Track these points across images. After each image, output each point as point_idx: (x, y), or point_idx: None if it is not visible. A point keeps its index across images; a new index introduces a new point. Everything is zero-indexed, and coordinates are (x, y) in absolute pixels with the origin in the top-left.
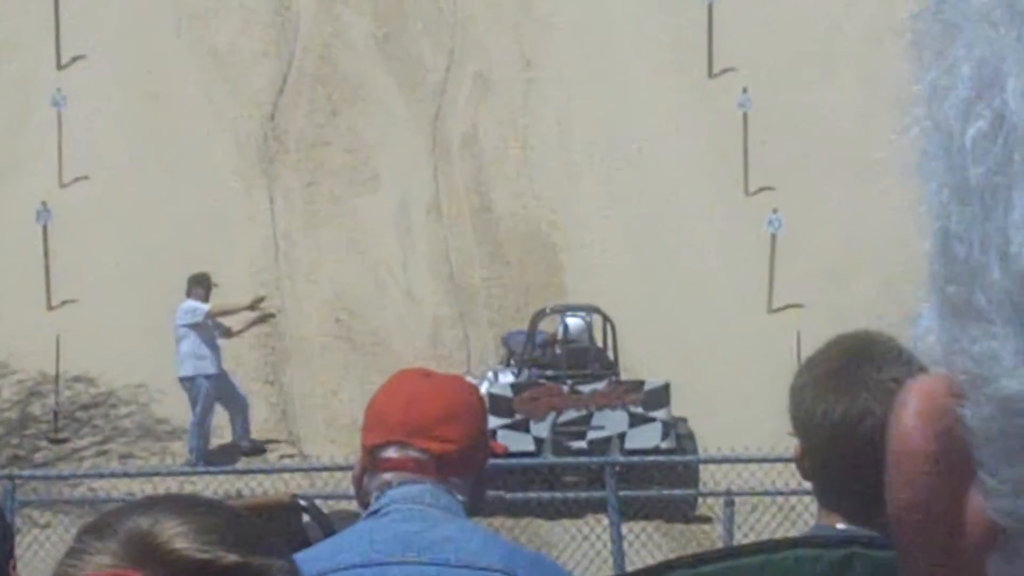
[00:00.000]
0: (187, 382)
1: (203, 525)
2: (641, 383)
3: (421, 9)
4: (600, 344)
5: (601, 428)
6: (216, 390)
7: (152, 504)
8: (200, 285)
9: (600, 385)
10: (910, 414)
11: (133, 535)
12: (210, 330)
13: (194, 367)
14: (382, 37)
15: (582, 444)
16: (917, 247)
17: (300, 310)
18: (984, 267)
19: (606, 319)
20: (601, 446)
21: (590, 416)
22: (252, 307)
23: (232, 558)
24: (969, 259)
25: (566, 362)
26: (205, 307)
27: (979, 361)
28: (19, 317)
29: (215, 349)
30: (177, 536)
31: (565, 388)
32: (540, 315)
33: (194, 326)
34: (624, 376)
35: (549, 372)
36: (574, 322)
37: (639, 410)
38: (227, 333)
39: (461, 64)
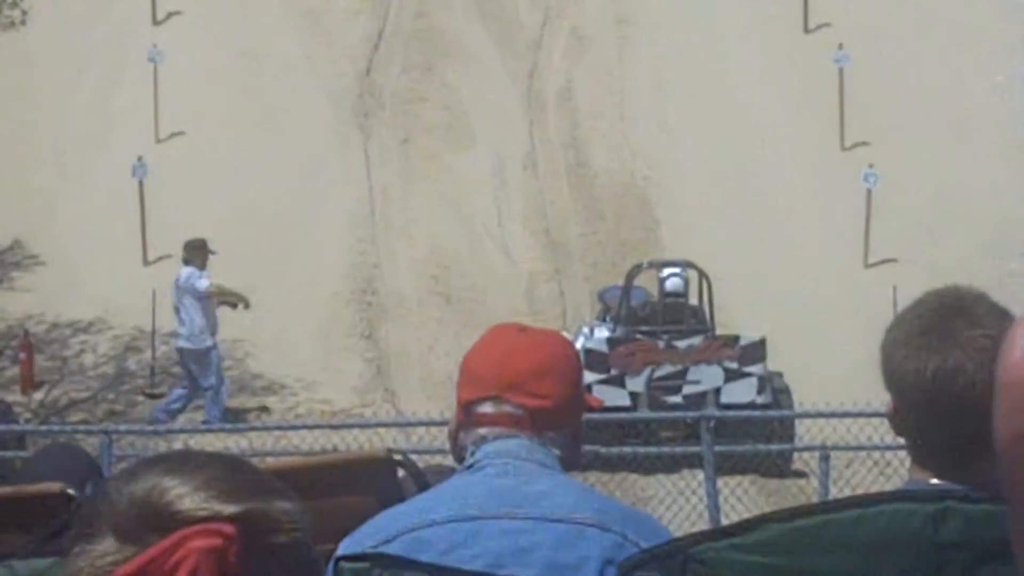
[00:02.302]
0: (195, 352)
1: (198, 481)
2: (736, 338)
3: None
4: (696, 300)
5: (697, 383)
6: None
7: (147, 467)
8: (199, 252)
9: (696, 340)
10: (1018, 348)
11: (131, 504)
12: (210, 301)
13: (203, 339)
14: None
15: (677, 399)
16: (1012, 204)
17: (396, 266)
18: None
19: (702, 274)
20: (696, 401)
21: (685, 371)
22: (235, 303)
23: (232, 508)
24: None
25: (662, 317)
26: (205, 282)
27: None
28: (115, 272)
29: (215, 319)
30: (173, 497)
31: (661, 344)
32: (635, 270)
33: (199, 297)
34: (720, 331)
35: (644, 327)
36: (671, 278)
37: (734, 365)
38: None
39: (556, 20)
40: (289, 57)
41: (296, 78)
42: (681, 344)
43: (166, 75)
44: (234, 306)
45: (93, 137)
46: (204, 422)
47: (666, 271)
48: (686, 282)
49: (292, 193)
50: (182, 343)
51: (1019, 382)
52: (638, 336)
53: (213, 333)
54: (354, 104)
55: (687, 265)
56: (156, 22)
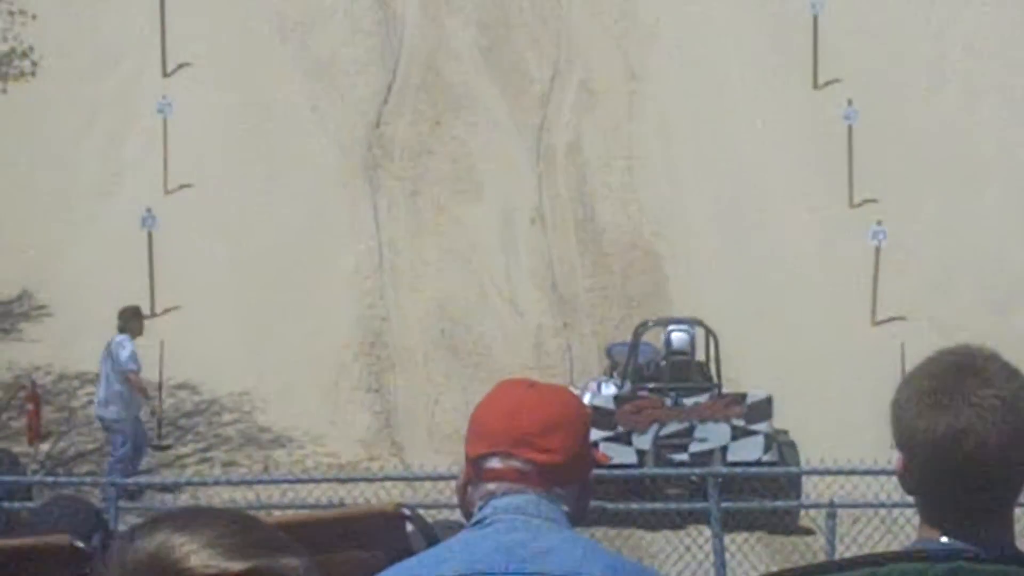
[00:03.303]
0: (103, 420)
1: (206, 538)
2: (743, 396)
3: (525, 19)
4: (703, 357)
5: (704, 440)
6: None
7: (155, 524)
8: (135, 320)
9: (703, 398)
10: None
11: (139, 562)
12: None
13: (112, 409)
14: (487, 46)
15: (684, 457)
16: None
17: (404, 319)
18: None
19: (709, 332)
20: (703, 459)
21: (692, 429)
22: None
23: (240, 565)
24: None
25: (669, 375)
26: (128, 354)
27: None
28: None
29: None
30: (181, 555)
31: (668, 401)
32: (643, 327)
33: (117, 368)
34: (727, 388)
35: (652, 385)
36: (677, 335)
37: (741, 423)
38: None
39: (566, 74)
40: (298, 109)
41: (305, 129)
42: (688, 401)
43: (175, 126)
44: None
45: (102, 187)
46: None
47: (672, 328)
48: (693, 339)
49: (300, 244)
50: (96, 408)
51: None
52: (645, 393)
53: (128, 406)
54: (363, 156)
55: (694, 322)
56: (166, 74)
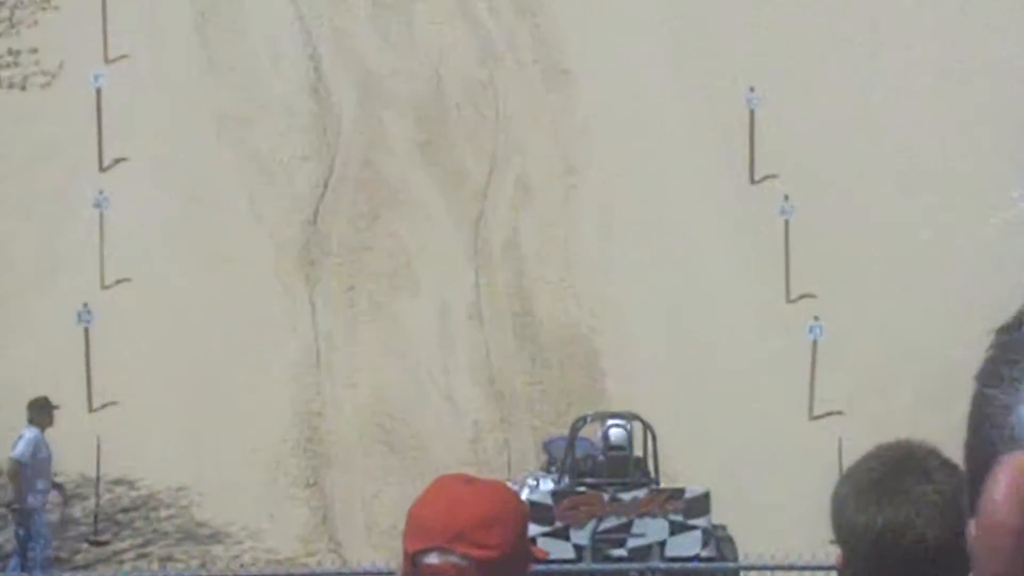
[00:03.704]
0: (34, 514)
1: None
2: (681, 491)
3: (462, 114)
4: (640, 452)
5: (641, 536)
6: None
7: None
8: (44, 412)
9: (640, 493)
10: (1000, 490)
11: None
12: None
13: (40, 501)
14: (423, 141)
15: (622, 552)
16: (958, 353)
17: (340, 414)
18: None
19: (646, 427)
20: (641, 554)
21: (630, 524)
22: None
23: None
24: None
25: (607, 470)
26: (20, 450)
27: None
28: (60, 419)
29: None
30: None
31: (605, 496)
32: (580, 423)
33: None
34: (664, 483)
35: (589, 480)
36: (615, 431)
37: (679, 518)
38: None
39: (503, 169)
40: (235, 203)
41: (242, 224)
42: (626, 497)
43: (112, 221)
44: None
45: (38, 283)
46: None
47: (610, 424)
48: (630, 434)
49: (238, 339)
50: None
51: (998, 524)
52: (582, 489)
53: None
54: (300, 251)
55: (631, 417)
56: (102, 168)
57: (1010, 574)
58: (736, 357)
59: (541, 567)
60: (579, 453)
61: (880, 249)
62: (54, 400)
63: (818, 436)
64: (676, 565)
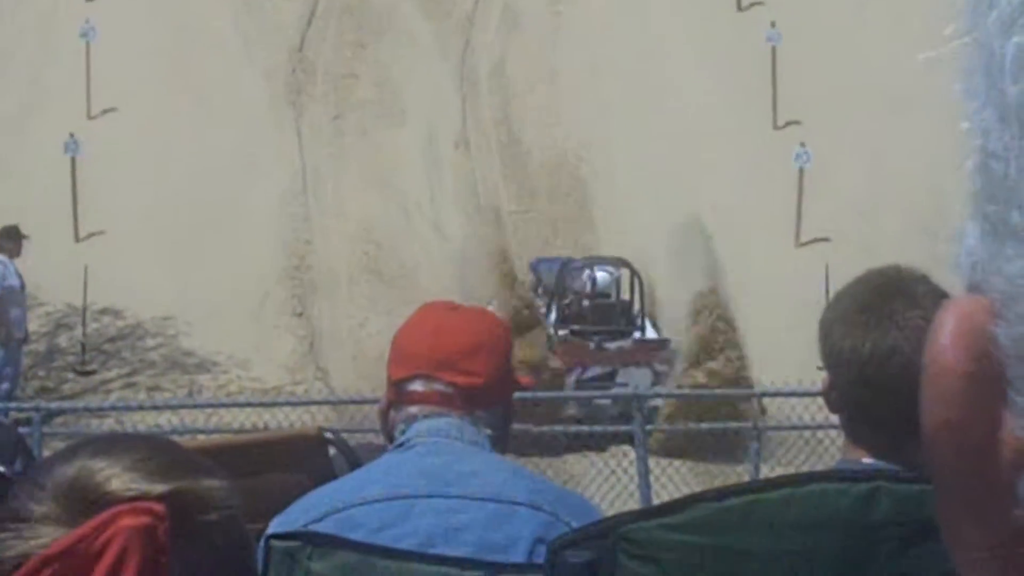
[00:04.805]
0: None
1: (127, 462)
2: (666, 341)
3: None
4: (628, 297)
5: (625, 385)
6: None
7: (74, 450)
8: (10, 239)
9: (626, 343)
10: (946, 333)
11: (60, 487)
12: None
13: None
14: None
15: (606, 402)
16: (945, 182)
17: (328, 243)
18: (1020, 186)
19: (634, 273)
20: (625, 404)
21: (614, 373)
22: None
23: (160, 488)
24: (1007, 178)
25: (592, 317)
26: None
27: (1012, 280)
28: (47, 249)
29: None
30: (102, 479)
31: (591, 344)
32: (567, 266)
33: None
34: (651, 332)
35: (575, 327)
36: (601, 275)
37: (665, 368)
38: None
39: None
40: (222, 33)
41: (229, 54)
42: (611, 346)
43: (99, 52)
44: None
45: (25, 114)
46: None
47: (597, 269)
48: (617, 281)
49: (224, 170)
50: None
51: (945, 369)
52: (565, 333)
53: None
54: (287, 81)
55: (621, 263)
56: None
57: (959, 419)
58: (722, 183)
59: (528, 394)
60: (547, 274)
61: (868, 75)
62: (40, 230)
63: (806, 263)
64: (662, 391)
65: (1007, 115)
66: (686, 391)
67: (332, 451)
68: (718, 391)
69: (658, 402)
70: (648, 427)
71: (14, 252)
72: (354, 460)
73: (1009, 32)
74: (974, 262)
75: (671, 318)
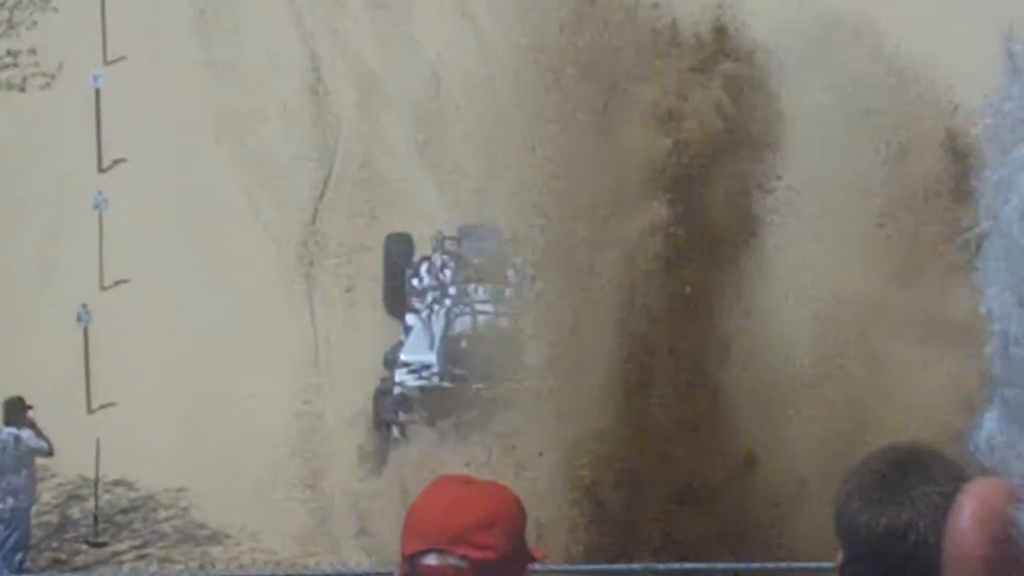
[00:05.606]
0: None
1: None
2: None
3: (460, 115)
4: None
5: None
6: None
7: None
8: (23, 411)
9: None
10: (966, 517)
11: None
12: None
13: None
14: (422, 141)
15: None
16: None
17: (339, 416)
18: None
19: None
20: None
21: None
22: None
23: None
24: None
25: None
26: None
27: None
28: (59, 420)
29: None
30: None
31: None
32: None
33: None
34: None
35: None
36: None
37: None
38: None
39: (501, 171)
40: (234, 204)
41: (241, 225)
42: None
43: (111, 222)
44: None
45: (37, 284)
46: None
47: None
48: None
49: (236, 340)
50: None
51: (966, 553)
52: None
53: (28, 495)
54: (299, 252)
55: None
56: (101, 169)
57: None
58: None
59: (540, 567)
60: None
61: None
62: (52, 401)
63: None
64: (675, 566)
65: None
66: (700, 565)
67: None
68: (727, 564)
69: None
70: None
71: (22, 423)
72: None
73: None
74: (993, 445)
75: None
